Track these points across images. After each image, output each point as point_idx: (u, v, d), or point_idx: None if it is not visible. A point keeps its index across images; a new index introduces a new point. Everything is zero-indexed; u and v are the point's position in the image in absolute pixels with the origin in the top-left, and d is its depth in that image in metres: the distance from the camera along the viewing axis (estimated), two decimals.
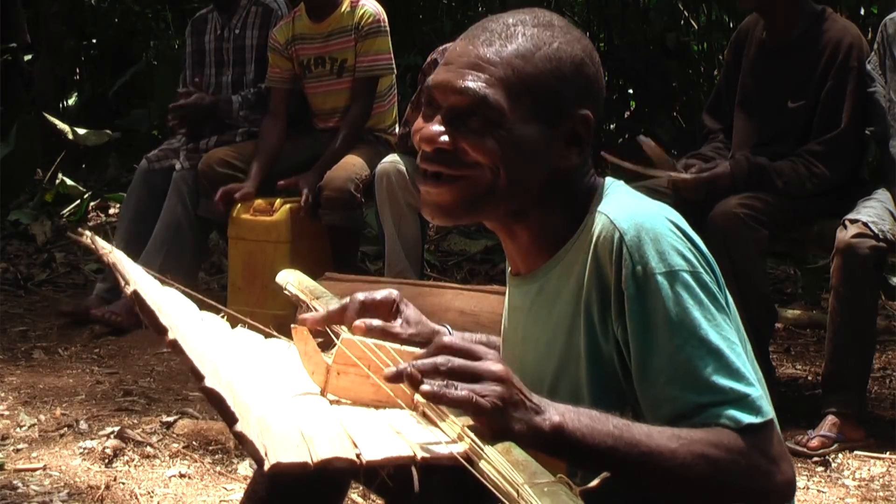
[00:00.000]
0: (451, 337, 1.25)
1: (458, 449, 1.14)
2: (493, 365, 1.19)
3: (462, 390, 1.15)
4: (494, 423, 1.16)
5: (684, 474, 1.22)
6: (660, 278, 1.29)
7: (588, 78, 1.40)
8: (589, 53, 1.41)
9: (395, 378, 1.20)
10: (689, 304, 1.28)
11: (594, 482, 1.09)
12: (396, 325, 1.54)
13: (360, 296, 1.55)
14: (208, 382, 1.06)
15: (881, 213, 3.24)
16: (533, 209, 1.41)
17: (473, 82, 1.35)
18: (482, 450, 1.11)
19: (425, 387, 1.15)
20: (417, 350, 1.33)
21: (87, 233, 1.20)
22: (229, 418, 1.05)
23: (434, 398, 1.16)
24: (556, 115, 1.38)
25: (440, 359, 1.19)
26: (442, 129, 1.37)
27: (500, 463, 1.07)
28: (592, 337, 1.35)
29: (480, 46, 1.37)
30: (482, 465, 1.09)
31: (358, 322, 1.50)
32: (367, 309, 1.54)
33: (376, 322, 1.51)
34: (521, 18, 1.40)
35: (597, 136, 1.48)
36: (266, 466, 1.06)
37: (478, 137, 1.35)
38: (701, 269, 1.31)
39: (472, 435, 1.14)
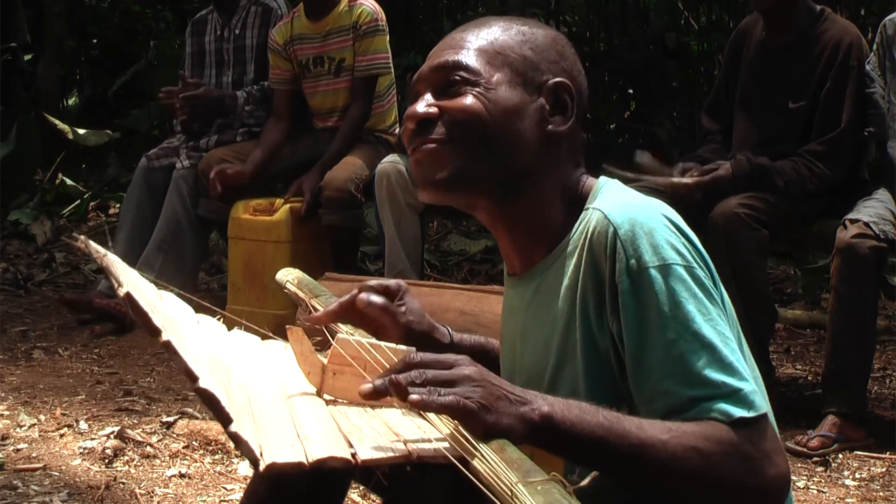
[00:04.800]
0: (417, 353, 1.24)
1: (452, 448, 1.14)
2: (466, 369, 1.19)
3: (448, 395, 1.15)
4: (483, 422, 1.15)
5: (675, 466, 1.22)
6: (653, 272, 1.28)
7: (562, 53, 1.47)
8: (564, 39, 1.50)
9: (373, 395, 1.19)
10: (682, 297, 1.28)
11: (585, 481, 1.09)
12: (398, 308, 1.59)
13: (372, 282, 1.62)
14: (202, 383, 1.06)
15: (881, 213, 3.24)
16: (524, 186, 1.43)
17: (450, 56, 1.43)
18: (476, 448, 1.11)
19: (413, 396, 1.15)
20: (413, 350, 1.33)
21: (81, 237, 1.20)
22: (224, 419, 1.05)
23: (423, 407, 1.16)
24: (533, 81, 1.43)
25: (413, 373, 1.18)
26: (426, 103, 1.43)
27: (494, 461, 1.06)
28: (589, 332, 1.35)
29: (457, 34, 1.48)
30: (476, 463, 1.09)
31: (362, 295, 1.56)
32: (375, 291, 1.60)
33: (377, 298, 1.57)
34: (500, 17, 1.50)
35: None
36: (261, 466, 1.05)
37: (459, 97, 1.41)
38: (695, 264, 1.31)
39: (466, 433, 1.14)
